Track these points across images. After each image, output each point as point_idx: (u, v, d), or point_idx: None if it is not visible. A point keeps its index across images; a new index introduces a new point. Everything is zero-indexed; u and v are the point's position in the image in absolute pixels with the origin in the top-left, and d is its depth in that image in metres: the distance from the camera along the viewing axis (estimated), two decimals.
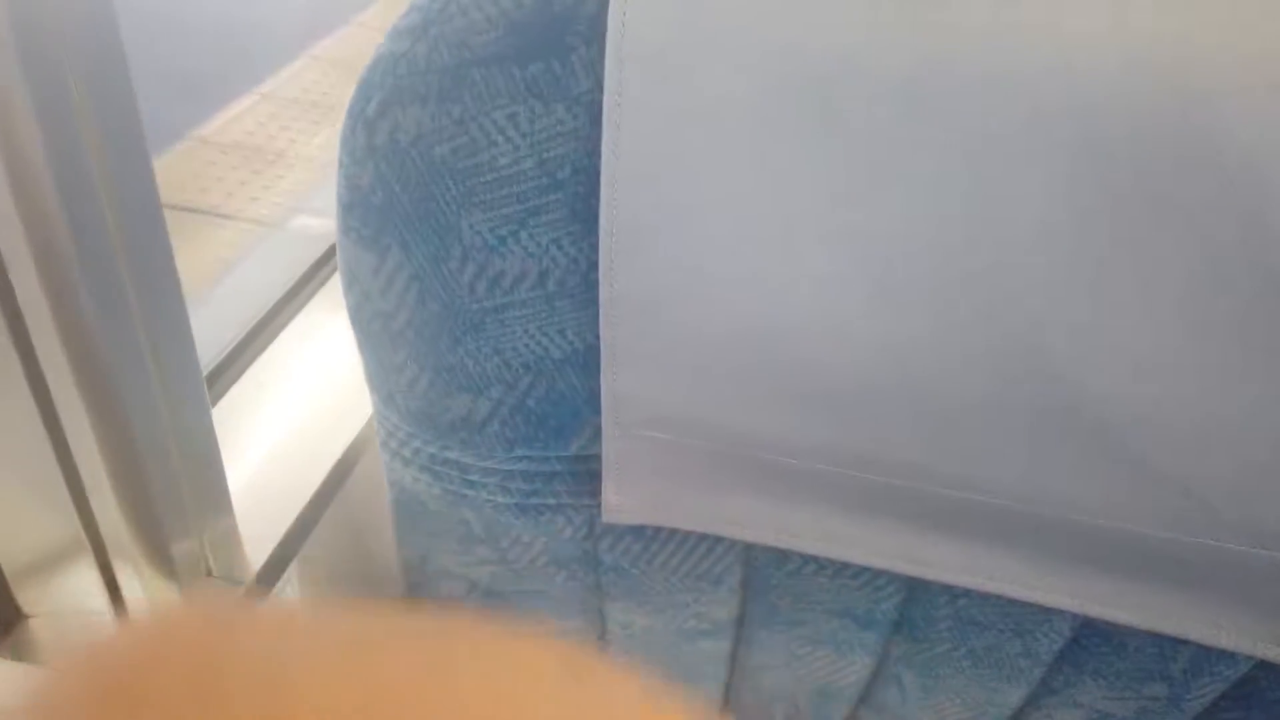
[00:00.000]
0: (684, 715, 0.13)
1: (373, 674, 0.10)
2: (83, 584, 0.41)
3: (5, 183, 0.31)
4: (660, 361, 0.34)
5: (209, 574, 0.44)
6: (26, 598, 0.42)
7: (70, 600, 0.42)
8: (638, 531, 0.43)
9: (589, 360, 0.36)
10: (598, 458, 0.40)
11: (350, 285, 0.37)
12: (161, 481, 0.40)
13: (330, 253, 0.68)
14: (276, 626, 0.10)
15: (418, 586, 0.51)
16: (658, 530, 0.43)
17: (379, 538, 0.58)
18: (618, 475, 0.39)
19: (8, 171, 0.31)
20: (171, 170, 1.95)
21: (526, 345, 0.36)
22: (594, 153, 0.31)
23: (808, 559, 0.42)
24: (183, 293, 0.39)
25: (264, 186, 1.89)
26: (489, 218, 0.33)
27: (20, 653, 0.42)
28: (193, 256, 1.83)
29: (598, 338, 0.35)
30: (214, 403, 0.56)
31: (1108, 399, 0.31)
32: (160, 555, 0.41)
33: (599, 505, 0.42)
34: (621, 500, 0.40)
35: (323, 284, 0.67)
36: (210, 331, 0.67)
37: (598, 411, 0.37)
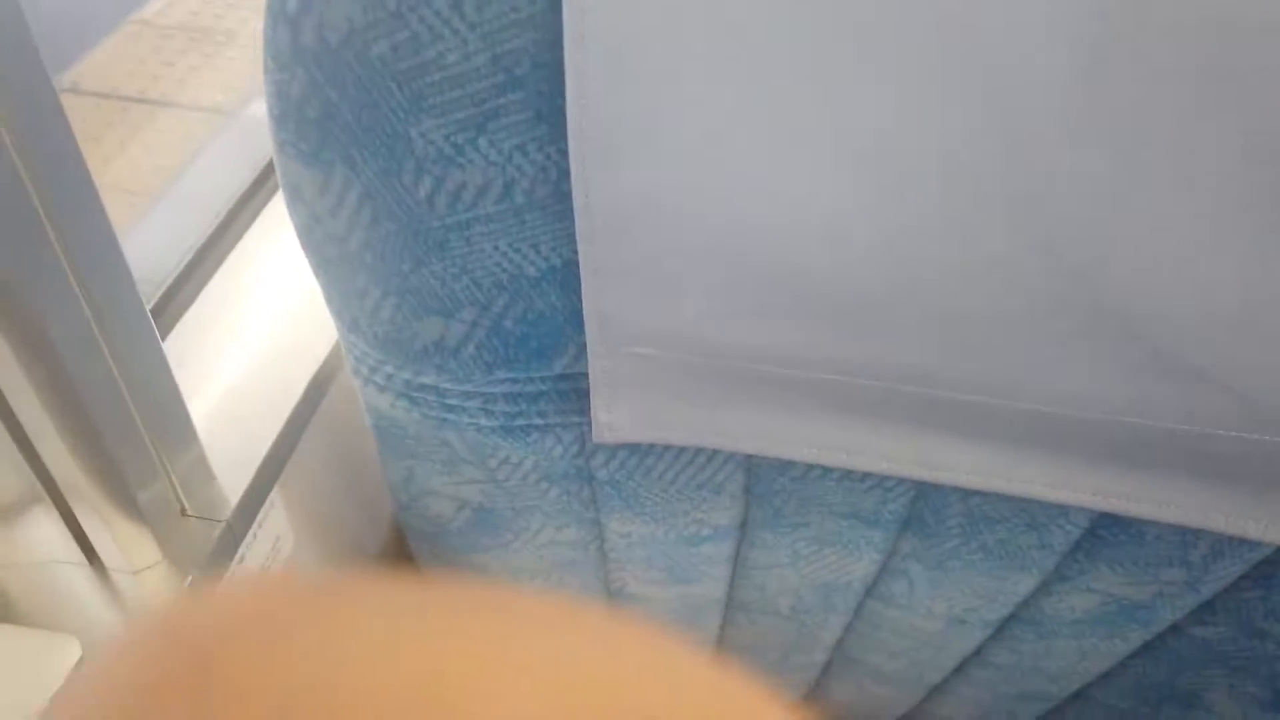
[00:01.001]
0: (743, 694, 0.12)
1: (427, 649, 0.09)
2: (46, 534, 0.39)
3: None
4: (643, 275, 0.31)
5: (184, 513, 0.42)
6: None
7: (36, 551, 0.40)
8: (632, 445, 0.41)
9: (568, 276, 0.33)
10: (584, 376, 0.37)
11: (294, 205, 0.33)
12: (112, 419, 0.37)
13: None
14: (335, 600, 0.10)
15: (406, 507, 0.49)
16: (653, 443, 0.40)
17: (362, 456, 0.55)
18: (606, 394, 0.36)
19: None
20: (114, 58, 1.84)
21: (497, 263, 0.33)
22: (557, 43, 0.27)
23: (813, 465, 0.40)
24: (105, 210, 0.35)
25: (216, 70, 1.79)
26: (441, 124, 0.29)
27: None
28: (145, 151, 1.75)
29: (575, 252, 0.31)
30: (175, 320, 0.52)
31: (1135, 291, 0.29)
32: (124, 497, 0.39)
33: (589, 423, 0.39)
34: (612, 419, 0.37)
35: None
36: (168, 236, 0.63)
37: (581, 330, 0.34)
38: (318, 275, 0.36)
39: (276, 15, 0.28)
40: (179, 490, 0.42)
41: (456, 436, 0.41)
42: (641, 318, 0.33)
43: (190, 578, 0.40)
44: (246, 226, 0.58)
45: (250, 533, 0.44)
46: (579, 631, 0.11)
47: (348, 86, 0.29)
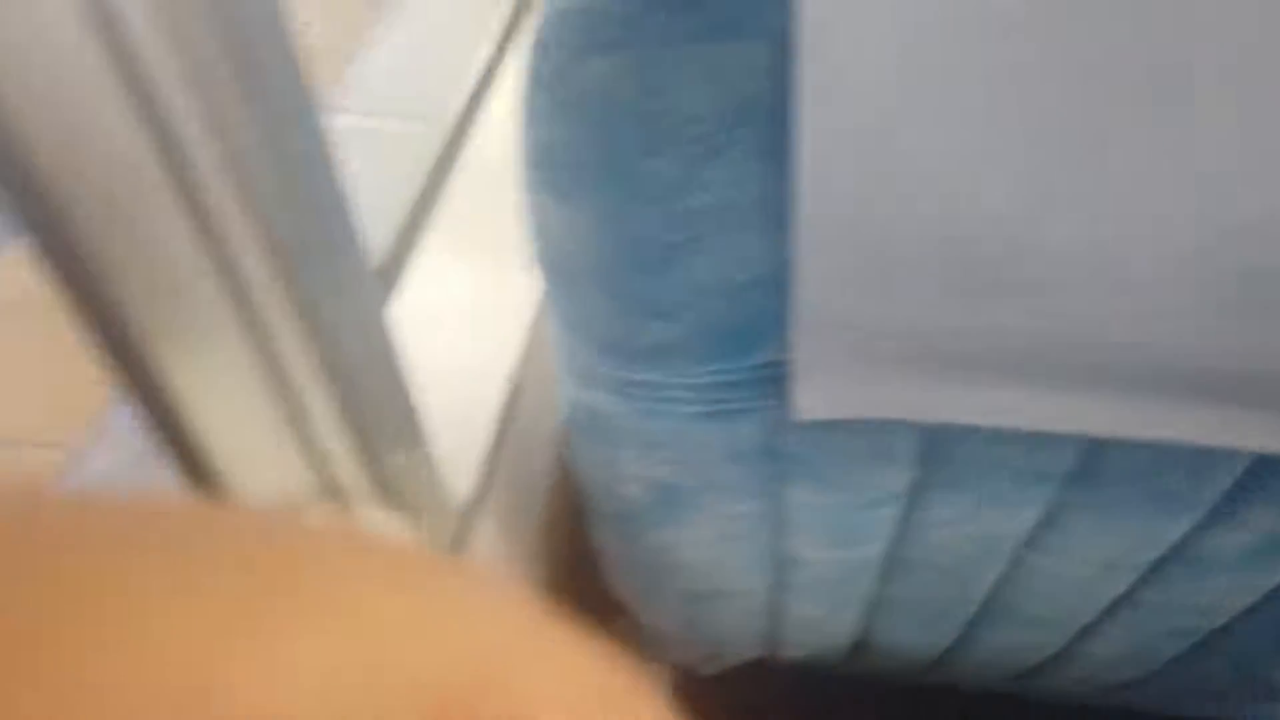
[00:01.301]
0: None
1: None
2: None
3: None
4: (852, 272, 0.36)
5: (417, 508, 0.48)
6: None
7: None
8: (820, 422, 0.45)
9: (777, 279, 0.38)
10: (782, 363, 0.42)
11: (538, 235, 0.38)
12: (380, 412, 0.42)
13: None
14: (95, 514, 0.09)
15: (598, 492, 0.54)
16: (836, 419, 0.45)
17: (541, 436, 0.61)
18: (806, 377, 0.41)
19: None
20: None
21: (712, 274, 0.38)
22: (780, 85, 0.31)
23: (992, 430, 0.44)
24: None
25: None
26: (674, 159, 0.34)
27: None
28: None
29: (784, 259, 0.36)
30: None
31: None
32: (397, 493, 0.44)
33: (781, 405, 0.44)
34: (810, 400, 0.42)
35: None
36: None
37: (783, 323, 0.39)
38: (550, 287, 0.41)
39: (537, 80, 0.33)
40: (411, 481, 0.47)
41: (660, 424, 0.46)
42: (844, 309, 0.37)
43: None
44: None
45: (473, 530, 0.50)
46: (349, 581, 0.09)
47: (595, 132, 0.33)
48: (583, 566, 0.71)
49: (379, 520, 0.45)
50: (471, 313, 0.58)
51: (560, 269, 0.39)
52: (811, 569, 0.59)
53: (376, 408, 0.42)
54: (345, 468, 0.43)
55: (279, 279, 0.36)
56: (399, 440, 0.45)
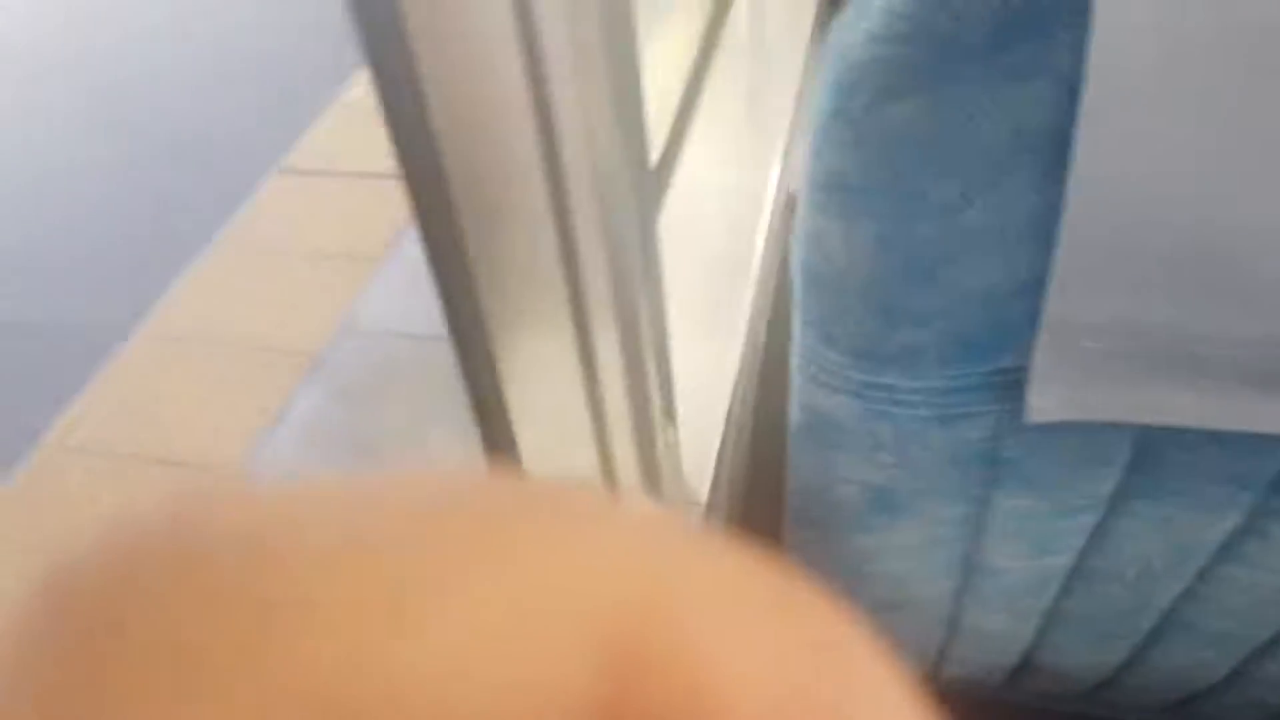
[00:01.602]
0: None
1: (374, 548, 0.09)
2: None
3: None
4: (1106, 279, 0.41)
5: (667, 496, 0.53)
6: None
7: None
8: (1039, 426, 0.50)
9: (1033, 288, 0.43)
10: (1018, 368, 0.46)
11: (811, 249, 0.44)
12: (655, 409, 0.48)
13: None
14: (263, 503, 0.09)
15: (810, 494, 0.59)
16: (1059, 423, 0.49)
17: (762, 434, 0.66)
18: (1043, 380, 0.45)
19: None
20: (328, 137, 2.05)
21: (975, 284, 0.43)
22: (1067, 117, 0.37)
23: (1207, 433, 0.48)
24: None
25: None
26: (961, 184, 0.39)
27: None
28: (365, 220, 1.92)
29: (1044, 267, 0.41)
30: None
31: None
32: (652, 481, 0.50)
33: (1008, 409, 0.48)
34: (1043, 403, 0.46)
35: None
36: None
37: (1029, 329, 0.44)
38: (806, 297, 0.46)
39: (837, 115, 0.39)
40: (668, 473, 0.53)
41: (890, 427, 0.51)
42: (1094, 317, 0.42)
43: None
44: None
45: (720, 506, 0.55)
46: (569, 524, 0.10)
47: (889, 163, 0.39)
48: None
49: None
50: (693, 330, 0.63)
51: (823, 280, 0.44)
52: (1000, 578, 0.63)
53: (650, 365, 0.48)
54: (622, 442, 0.48)
55: (597, 211, 0.42)
56: (665, 413, 0.51)
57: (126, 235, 1.91)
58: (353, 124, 2.12)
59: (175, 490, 0.09)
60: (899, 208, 0.40)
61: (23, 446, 1.48)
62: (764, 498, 0.69)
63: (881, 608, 0.68)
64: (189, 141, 2.14)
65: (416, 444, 1.47)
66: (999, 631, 0.69)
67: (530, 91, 0.37)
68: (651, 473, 0.52)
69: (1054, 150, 0.38)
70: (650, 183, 0.45)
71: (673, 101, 0.84)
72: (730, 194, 0.77)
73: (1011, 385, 0.47)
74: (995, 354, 0.46)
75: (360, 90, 2.12)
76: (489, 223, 0.41)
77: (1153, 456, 0.51)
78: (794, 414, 0.55)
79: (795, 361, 0.52)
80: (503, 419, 0.47)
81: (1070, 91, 0.36)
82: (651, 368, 0.48)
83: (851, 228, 0.42)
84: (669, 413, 0.52)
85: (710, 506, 0.54)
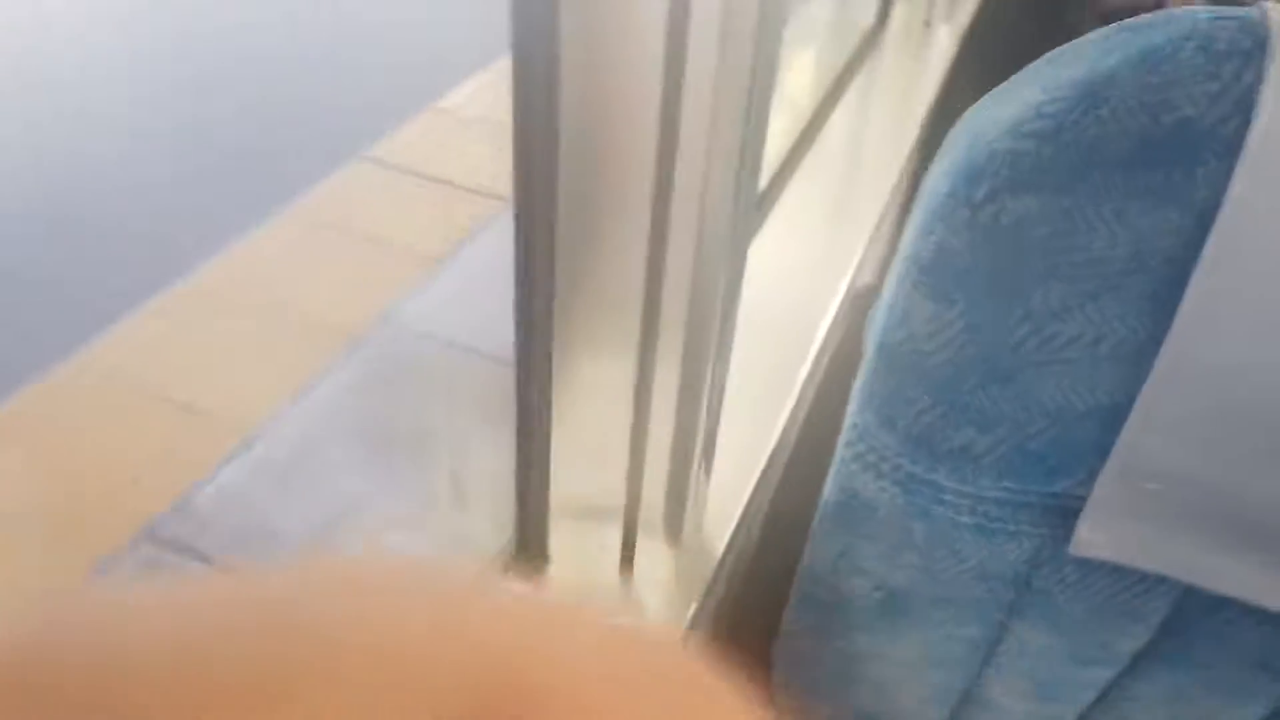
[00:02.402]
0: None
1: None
2: (605, 541, 0.50)
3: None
4: (1188, 424, 0.39)
5: (686, 546, 0.52)
6: (554, 541, 0.50)
7: (586, 554, 0.50)
8: (1081, 564, 0.48)
9: (1110, 414, 0.41)
10: (1074, 496, 0.45)
11: (897, 326, 0.43)
12: (696, 457, 0.47)
13: None
14: (109, 618, 0.09)
15: (819, 579, 0.58)
16: (1101, 565, 0.48)
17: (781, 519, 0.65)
18: (1098, 515, 0.44)
19: None
20: (415, 139, 2.08)
21: (1051, 396, 0.42)
22: (1190, 246, 0.36)
23: (1248, 608, 0.46)
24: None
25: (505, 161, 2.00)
26: (1064, 290, 0.39)
27: None
28: (433, 222, 1.95)
29: (1126, 395, 0.40)
30: None
31: None
32: (673, 526, 0.49)
33: (1052, 535, 0.47)
34: (1093, 537, 0.45)
35: None
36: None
37: (1098, 458, 0.43)
38: (876, 375, 0.46)
39: (958, 198, 0.38)
40: (693, 518, 0.52)
41: (925, 526, 0.50)
42: (1166, 458, 0.41)
43: (693, 605, 0.50)
44: None
45: (727, 569, 0.53)
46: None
47: (1000, 254, 0.39)
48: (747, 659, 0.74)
49: (655, 552, 0.49)
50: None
51: (899, 360, 0.44)
52: (997, 714, 0.60)
53: (703, 411, 0.47)
54: (655, 480, 0.47)
55: (693, 245, 0.41)
56: (703, 461, 0.50)
57: (198, 190, 1.94)
58: (443, 131, 2.16)
59: (24, 614, 0.09)
60: (997, 302, 0.40)
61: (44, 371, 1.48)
62: (773, 575, 0.67)
63: (857, 717, 0.65)
64: (283, 111, 2.19)
65: (426, 447, 1.46)
66: None
67: (661, 112, 0.37)
68: (675, 516, 0.51)
69: (1170, 280, 0.37)
70: (750, 223, 0.45)
71: (779, 147, 0.84)
72: (802, 270, 0.77)
73: (1062, 512, 0.46)
74: (1054, 476, 0.45)
75: (459, 99, 2.16)
76: (584, 234, 0.41)
77: (1188, 622, 0.49)
78: (828, 492, 0.53)
79: (844, 438, 0.50)
80: (542, 434, 0.46)
81: (1200, 226, 0.36)
82: (704, 414, 0.47)
83: (943, 312, 0.41)
84: (707, 463, 0.51)
85: (720, 566, 0.53)
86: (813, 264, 0.78)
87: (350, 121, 2.21)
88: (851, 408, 0.49)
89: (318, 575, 0.10)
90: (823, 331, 0.70)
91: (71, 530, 1.34)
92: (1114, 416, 0.41)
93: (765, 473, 0.57)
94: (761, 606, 0.70)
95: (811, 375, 0.67)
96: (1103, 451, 0.42)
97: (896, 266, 0.43)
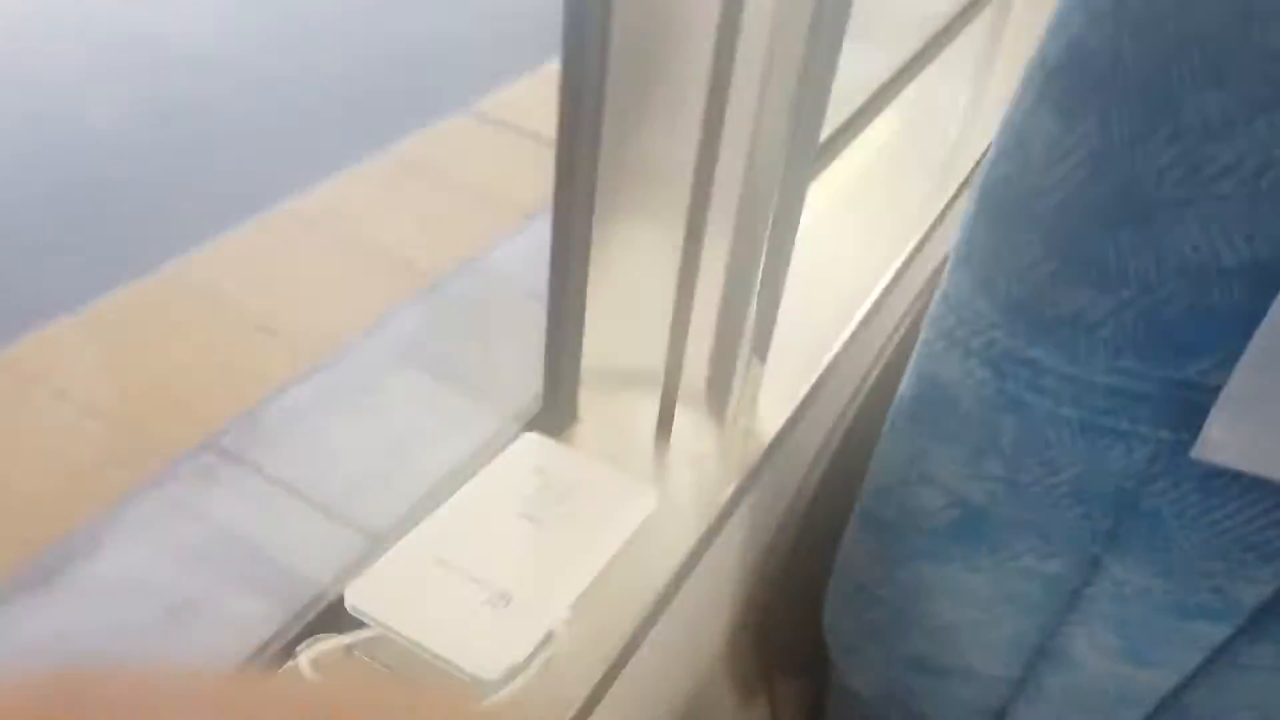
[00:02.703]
0: None
1: None
2: (641, 404, 0.44)
3: None
4: None
5: (734, 420, 0.46)
6: (585, 402, 0.45)
7: (621, 415, 0.45)
8: (1204, 480, 0.40)
9: (1265, 275, 0.34)
10: (1205, 387, 0.37)
11: (1007, 155, 0.36)
12: (746, 336, 0.41)
13: None
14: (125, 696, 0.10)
15: (884, 489, 0.51)
16: (1229, 483, 0.40)
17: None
18: (1236, 410, 0.36)
19: None
20: (524, 97, 2.07)
21: (1194, 247, 0.34)
22: None
23: None
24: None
25: None
26: (1227, 98, 0.31)
27: None
28: (528, 178, 1.93)
29: None
30: None
31: None
32: (719, 399, 0.43)
33: (1173, 439, 0.39)
34: (1224, 438, 0.37)
35: None
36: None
37: (1242, 333, 0.35)
38: (976, 224, 0.39)
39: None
40: (744, 402, 0.46)
41: (1016, 423, 0.42)
42: None
43: (735, 481, 0.44)
44: None
45: (780, 455, 0.47)
46: None
47: (1147, 49, 0.31)
48: (793, 599, 0.67)
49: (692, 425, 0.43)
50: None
51: (1007, 198, 0.37)
52: (1072, 675, 0.53)
53: (757, 295, 0.41)
54: (698, 355, 0.41)
55: (754, 110, 0.36)
56: (755, 345, 0.44)
57: (305, 126, 1.96)
58: (547, 91, 2.13)
59: (56, 669, 0.10)
60: (1138, 117, 0.33)
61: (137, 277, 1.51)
62: (832, 493, 0.60)
63: (921, 669, 0.58)
64: (395, 57, 2.20)
65: (492, 389, 1.43)
66: None
67: None
68: (720, 392, 0.45)
69: None
70: (822, 99, 0.39)
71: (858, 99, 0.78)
72: (874, 224, 0.70)
73: (1189, 407, 0.38)
74: (1185, 356, 0.37)
75: None
76: (636, 84, 0.37)
77: None
78: (904, 385, 0.47)
79: (931, 312, 0.44)
80: (577, 288, 0.41)
81: None
82: (756, 293, 0.42)
83: (1069, 130, 0.34)
84: (760, 349, 0.45)
85: (768, 454, 0.47)
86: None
87: (456, 77, 2.21)
88: (944, 279, 0.43)
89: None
90: (913, 243, 0.62)
91: (138, 431, 1.35)
92: (1269, 277, 0.34)
93: (831, 374, 0.51)
94: (818, 536, 0.63)
95: (872, 327, 0.60)
96: (1249, 324, 0.35)
97: (1027, 75, 0.36)
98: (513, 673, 0.33)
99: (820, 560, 0.61)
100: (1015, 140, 0.36)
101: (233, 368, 1.46)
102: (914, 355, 0.46)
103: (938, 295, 0.43)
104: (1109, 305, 0.37)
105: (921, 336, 0.45)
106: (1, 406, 1.31)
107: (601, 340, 0.42)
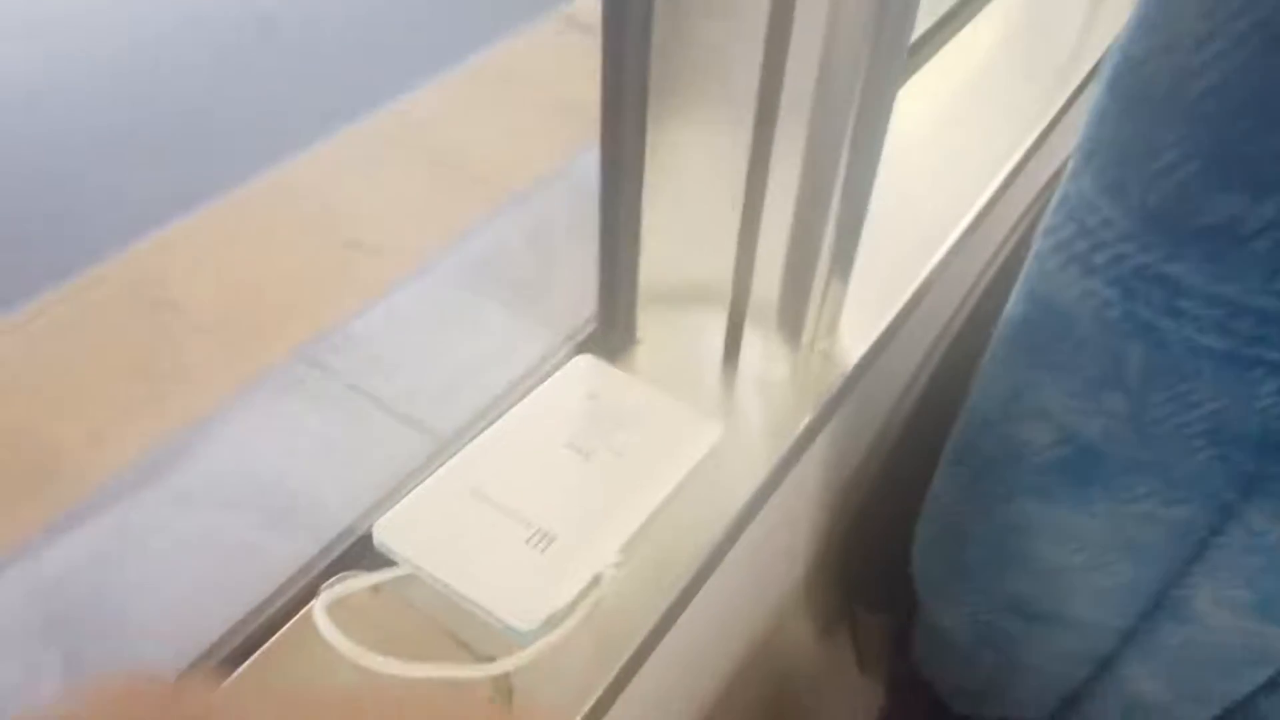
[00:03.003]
0: None
1: None
2: (706, 325, 0.39)
3: None
4: None
5: (811, 346, 0.41)
6: (644, 323, 0.41)
7: (683, 336, 0.41)
8: None
9: None
10: None
11: (1149, 29, 0.30)
12: (824, 254, 0.36)
13: None
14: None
15: (986, 424, 0.45)
16: None
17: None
18: None
19: None
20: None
21: None
22: None
23: None
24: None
25: None
26: None
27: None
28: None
29: None
30: None
31: None
32: (793, 321, 0.38)
33: None
34: None
35: None
36: None
37: None
38: (1104, 120, 0.33)
39: None
40: (821, 325, 0.41)
41: (1145, 351, 0.36)
42: None
43: (812, 411, 0.39)
44: None
45: (864, 383, 0.42)
46: None
47: None
48: (877, 534, 0.63)
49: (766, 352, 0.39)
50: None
51: (1144, 84, 0.30)
52: (1190, 630, 0.47)
53: (837, 206, 0.36)
54: (769, 271, 0.37)
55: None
56: (835, 261, 0.39)
57: (391, 35, 1.93)
58: None
59: (137, 679, 0.11)
60: None
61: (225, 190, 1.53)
62: (924, 424, 0.55)
63: (1020, 614, 0.53)
64: None
65: (560, 314, 1.40)
66: (1162, 708, 0.53)
67: None
68: (794, 315, 0.40)
69: None
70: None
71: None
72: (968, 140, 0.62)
73: None
74: None
75: None
76: None
77: None
78: (1011, 306, 0.41)
79: (1045, 224, 0.38)
80: (632, 215, 0.36)
81: None
82: (835, 207, 0.36)
83: (1220, 2, 0.28)
84: (841, 267, 0.40)
85: (850, 382, 0.42)
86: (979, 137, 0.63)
87: None
88: (1063, 184, 0.36)
89: None
90: (1020, 154, 0.55)
91: (229, 342, 1.37)
92: None
93: (925, 295, 0.45)
94: (907, 469, 0.58)
95: (1000, 201, 0.53)
96: None
97: None
98: (553, 621, 0.29)
99: (908, 495, 0.56)
100: (1159, 9, 0.29)
101: (322, 282, 1.47)
102: (1023, 273, 0.40)
103: (1054, 203, 0.37)
104: (1267, 214, 0.30)
105: (1033, 251, 0.39)
106: (107, 311, 1.35)
107: (661, 253, 0.37)
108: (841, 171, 0.34)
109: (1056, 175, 0.55)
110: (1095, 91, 0.33)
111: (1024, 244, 0.46)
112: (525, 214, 1.59)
